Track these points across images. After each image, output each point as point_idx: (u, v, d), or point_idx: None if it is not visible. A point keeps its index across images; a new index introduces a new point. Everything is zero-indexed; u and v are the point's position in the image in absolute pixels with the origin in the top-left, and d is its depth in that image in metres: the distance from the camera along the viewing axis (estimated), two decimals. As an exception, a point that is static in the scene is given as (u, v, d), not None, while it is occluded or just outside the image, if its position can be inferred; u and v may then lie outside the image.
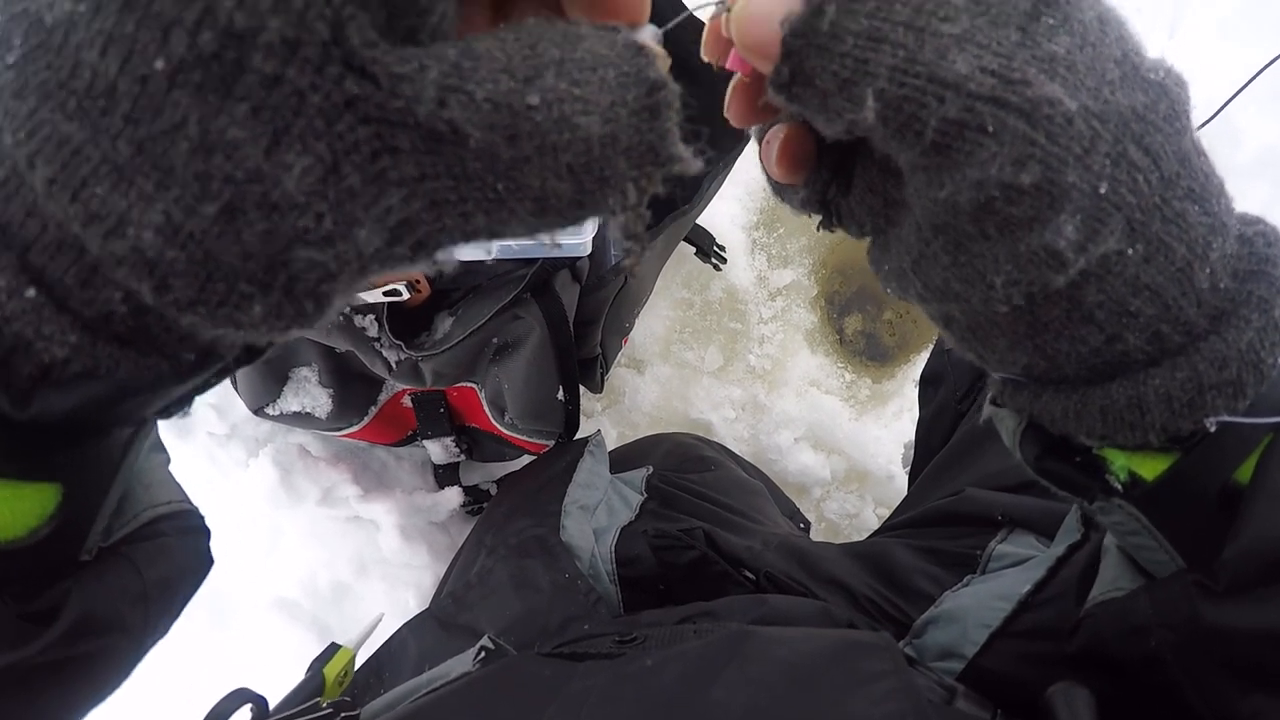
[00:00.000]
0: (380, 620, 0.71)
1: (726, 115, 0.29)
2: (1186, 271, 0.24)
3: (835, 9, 0.22)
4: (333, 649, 0.61)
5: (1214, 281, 0.25)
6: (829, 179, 0.28)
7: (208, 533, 0.33)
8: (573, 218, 0.20)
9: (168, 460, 0.34)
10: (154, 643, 0.30)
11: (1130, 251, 0.23)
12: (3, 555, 0.23)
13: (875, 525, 1.27)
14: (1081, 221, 0.23)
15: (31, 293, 0.19)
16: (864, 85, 0.22)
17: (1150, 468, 0.27)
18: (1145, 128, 0.23)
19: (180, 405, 0.25)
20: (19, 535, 0.23)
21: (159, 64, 0.16)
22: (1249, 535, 0.26)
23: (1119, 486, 0.28)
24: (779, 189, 0.31)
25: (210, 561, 0.32)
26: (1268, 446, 0.26)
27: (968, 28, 0.21)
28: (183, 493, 0.32)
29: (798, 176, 0.28)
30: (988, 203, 0.23)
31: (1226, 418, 0.25)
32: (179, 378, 0.22)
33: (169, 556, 0.29)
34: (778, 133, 0.28)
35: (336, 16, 0.17)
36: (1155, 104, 0.23)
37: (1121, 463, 0.28)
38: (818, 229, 0.31)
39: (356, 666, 0.67)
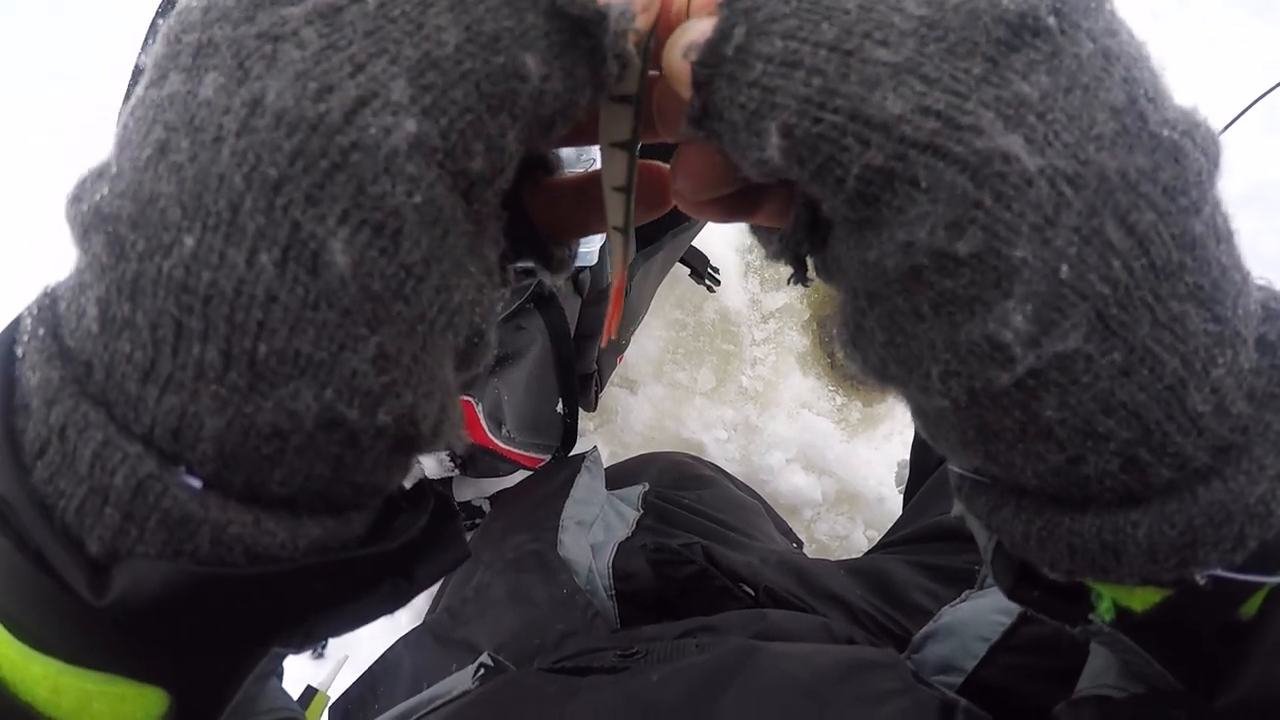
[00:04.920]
0: (346, 661, 0.71)
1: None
2: (1177, 392, 0.20)
3: (744, 31, 0.19)
4: (310, 691, 0.62)
5: (1220, 404, 0.20)
6: (805, 233, 0.25)
7: None
8: None
9: (281, 673, 0.32)
10: None
11: (1104, 360, 0.19)
12: None
13: (865, 547, 1.27)
14: (1034, 310, 0.18)
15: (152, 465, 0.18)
16: (768, 119, 0.19)
17: (1140, 599, 0.23)
18: (1134, 200, 0.18)
19: (306, 637, 0.22)
20: None
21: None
22: (1244, 689, 0.22)
23: (1103, 624, 0.24)
24: (756, 231, 0.28)
25: None
26: (1275, 589, 0.22)
27: (911, 56, 0.18)
28: (289, 701, 0.29)
29: (708, 191, 0.25)
30: (916, 272, 0.19)
31: (1220, 573, 0.21)
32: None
33: None
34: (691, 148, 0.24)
35: None
36: (1156, 170, 0.19)
37: (1107, 605, 0.24)
38: (789, 282, 0.27)
39: (349, 677, 0.66)
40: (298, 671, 0.98)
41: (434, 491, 0.25)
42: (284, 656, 0.24)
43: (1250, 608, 0.22)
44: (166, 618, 0.19)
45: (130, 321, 0.18)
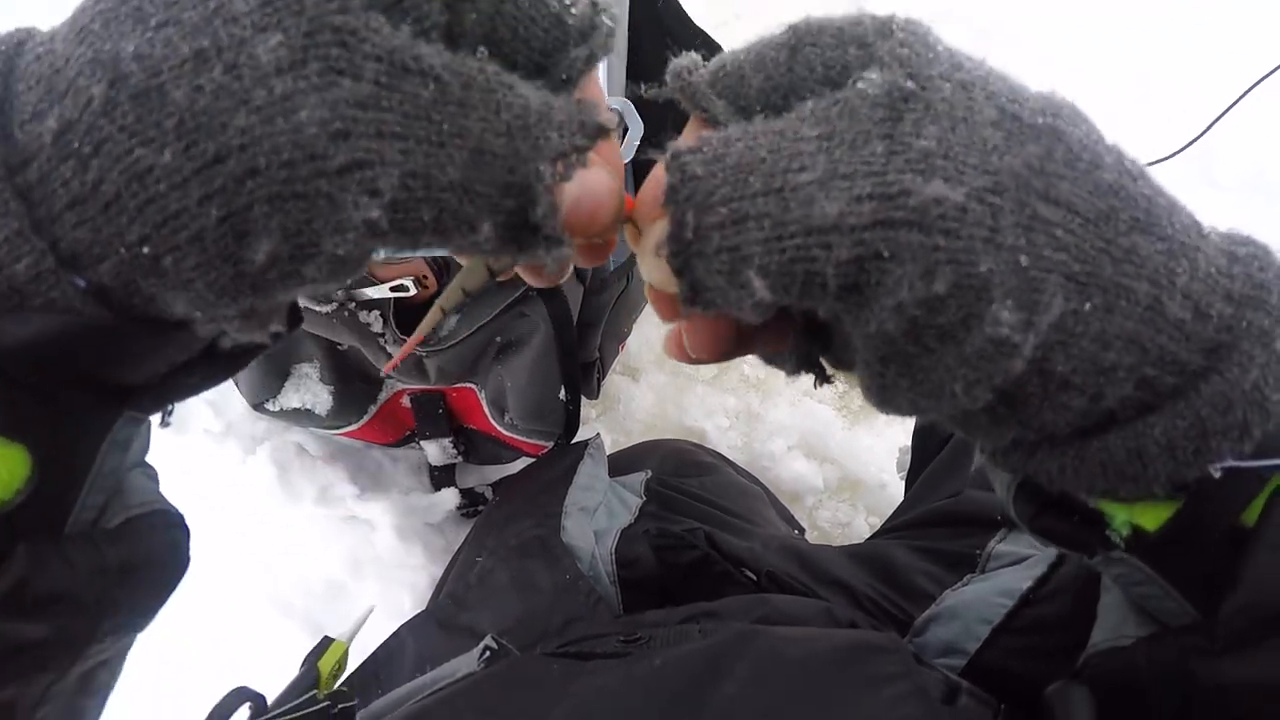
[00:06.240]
0: (371, 612, 0.70)
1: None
2: (1155, 309, 0.23)
3: (693, 214, 0.22)
4: (326, 642, 0.61)
5: (1198, 308, 0.23)
6: (808, 344, 0.28)
7: (186, 531, 0.30)
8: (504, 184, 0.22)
9: (155, 478, 0.32)
10: (120, 634, 0.27)
11: (1088, 306, 0.22)
12: None
13: (867, 534, 1.28)
14: (1015, 302, 0.21)
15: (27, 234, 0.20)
16: (744, 271, 0.22)
17: (1152, 517, 0.26)
18: (1047, 181, 0.22)
19: (155, 400, 0.25)
20: None
21: None
22: (1247, 589, 0.24)
23: (1120, 543, 0.27)
24: (770, 358, 0.30)
25: (186, 559, 0.30)
26: (1275, 491, 0.24)
27: (827, 167, 0.21)
28: (160, 495, 0.30)
29: (718, 354, 0.28)
30: (913, 322, 0.22)
31: (1233, 463, 0.24)
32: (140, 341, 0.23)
33: (134, 541, 0.27)
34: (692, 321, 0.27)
35: None
36: (1050, 152, 0.22)
37: (1123, 519, 0.26)
38: (815, 386, 0.30)
39: (352, 663, 0.67)
40: (317, 625, 0.99)
41: None
42: (139, 421, 0.27)
43: (1251, 515, 0.25)
44: (32, 360, 0.22)
45: (85, 164, 0.20)
